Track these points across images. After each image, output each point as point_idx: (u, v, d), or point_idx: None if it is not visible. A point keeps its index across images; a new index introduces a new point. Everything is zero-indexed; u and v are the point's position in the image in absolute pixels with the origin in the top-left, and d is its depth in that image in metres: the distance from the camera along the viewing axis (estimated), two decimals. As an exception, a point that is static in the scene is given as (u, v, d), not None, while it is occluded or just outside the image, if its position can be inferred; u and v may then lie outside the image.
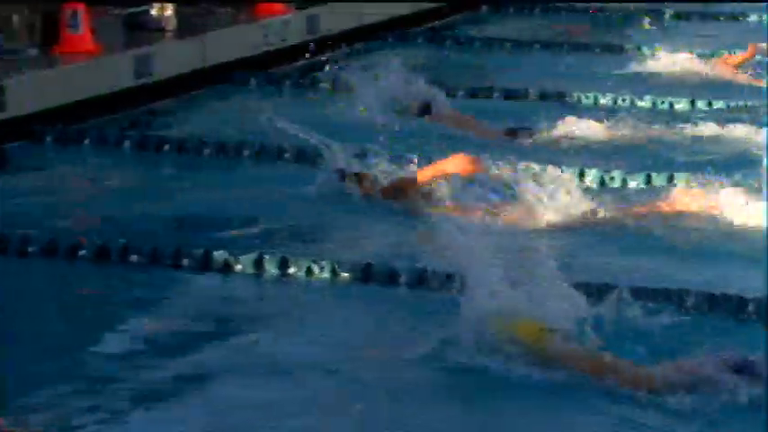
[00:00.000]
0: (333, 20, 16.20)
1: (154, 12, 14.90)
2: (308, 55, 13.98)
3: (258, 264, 9.36)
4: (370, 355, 8.46)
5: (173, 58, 13.27)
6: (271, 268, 9.26)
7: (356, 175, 10.93)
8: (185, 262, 9.34)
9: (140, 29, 14.44)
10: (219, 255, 9.38)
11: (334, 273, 9.17)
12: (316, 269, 9.32)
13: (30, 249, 9.67)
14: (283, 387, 7.70)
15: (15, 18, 13.12)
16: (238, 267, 9.41)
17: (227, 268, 9.48)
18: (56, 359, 7.73)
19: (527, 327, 8.32)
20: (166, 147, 12.32)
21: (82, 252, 9.64)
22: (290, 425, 7.22)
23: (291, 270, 9.19)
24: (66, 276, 9.85)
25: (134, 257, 9.73)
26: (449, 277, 8.93)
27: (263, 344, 8.51)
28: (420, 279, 9.36)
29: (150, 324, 8.44)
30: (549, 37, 21.75)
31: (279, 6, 16.69)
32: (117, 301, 9.05)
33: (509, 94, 15.82)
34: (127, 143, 12.21)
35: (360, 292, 9.35)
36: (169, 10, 15.07)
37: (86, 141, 12.03)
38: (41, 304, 8.89)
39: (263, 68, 14.63)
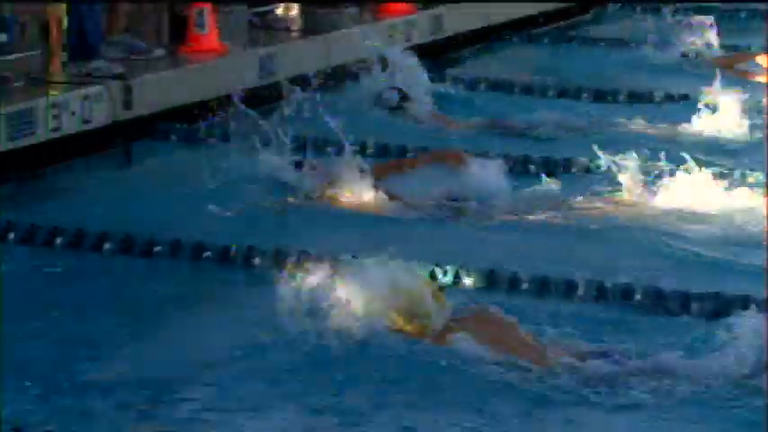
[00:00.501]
0: (458, 20, 16.13)
1: (279, 11, 14.99)
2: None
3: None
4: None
5: (297, 57, 13.21)
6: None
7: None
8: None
9: (266, 29, 14.47)
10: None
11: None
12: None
13: (155, 250, 9.72)
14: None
15: (143, 18, 13.17)
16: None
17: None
18: (191, 358, 7.54)
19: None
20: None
21: (206, 254, 9.63)
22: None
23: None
24: (190, 277, 9.81)
25: (257, 260, 9.70)
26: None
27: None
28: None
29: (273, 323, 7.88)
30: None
31: (405, 6, 16.64)
32: (239, 302, 8.85)
33: (635, 96, 15.40)
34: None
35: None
36: (294, 10, 15.08)
37: (211, 140, 11.81)
38: (166, 305, 8.74)
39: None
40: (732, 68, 17.40)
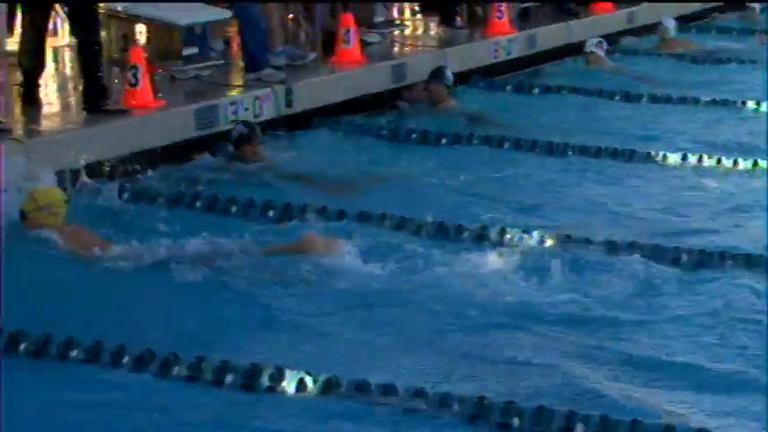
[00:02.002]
0: (547, 38, 16.36)
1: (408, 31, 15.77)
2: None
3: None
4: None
5: (423, 66, 13.54)
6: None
7: None
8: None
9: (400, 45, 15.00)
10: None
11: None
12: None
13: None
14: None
15: (302, 34, 13.73)
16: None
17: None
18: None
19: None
20: (414, 136, 12.22)
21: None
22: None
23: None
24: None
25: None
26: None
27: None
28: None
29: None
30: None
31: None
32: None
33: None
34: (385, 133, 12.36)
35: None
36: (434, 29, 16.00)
37: (359, 133, 12.34)
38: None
39: (490, 76, 14.84)
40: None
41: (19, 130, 10.30)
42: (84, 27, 10.88)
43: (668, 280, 8.45)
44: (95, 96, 10.87)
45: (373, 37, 14.61)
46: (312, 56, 13.47)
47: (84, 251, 8.69)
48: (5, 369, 6.62)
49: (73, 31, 11.59)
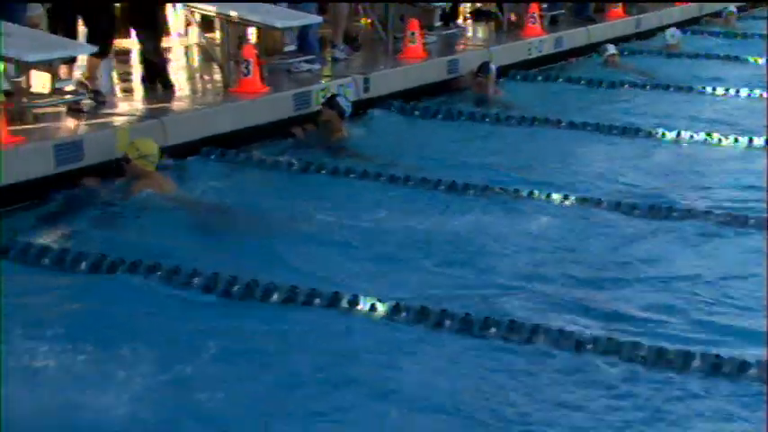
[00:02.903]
0: (571, 39, 16.13)
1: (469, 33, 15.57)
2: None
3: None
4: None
5: (470, 61, 13.46)
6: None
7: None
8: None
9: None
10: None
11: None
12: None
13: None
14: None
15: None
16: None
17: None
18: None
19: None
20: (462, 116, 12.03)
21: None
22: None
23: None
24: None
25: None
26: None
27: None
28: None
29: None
30: None
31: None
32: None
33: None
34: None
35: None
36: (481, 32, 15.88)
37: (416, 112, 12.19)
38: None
39: (525, 69, 14.67)
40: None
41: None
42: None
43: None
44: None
45: (432, 38, 14.37)
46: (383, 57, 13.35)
47: (169, 193, 8.69)
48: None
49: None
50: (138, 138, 8.91)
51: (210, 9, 11.45)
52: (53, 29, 10.30)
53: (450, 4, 15.37)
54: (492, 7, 16.42)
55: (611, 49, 15.44)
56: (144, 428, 5.30)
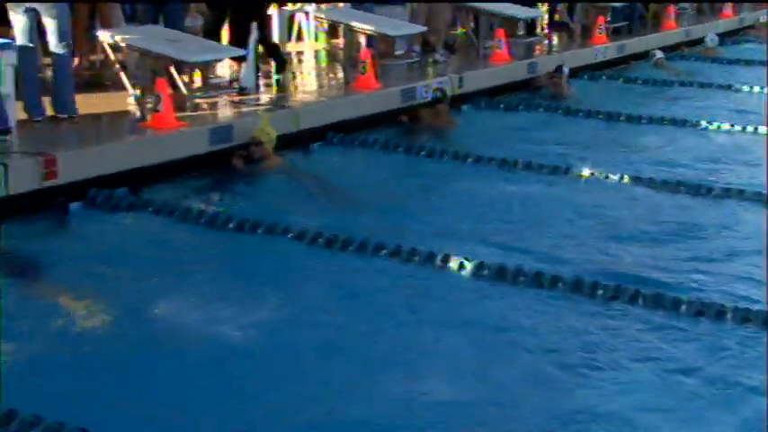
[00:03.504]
0: (631, 47, 15.90)
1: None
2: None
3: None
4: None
5: (546, 64, 13.37)
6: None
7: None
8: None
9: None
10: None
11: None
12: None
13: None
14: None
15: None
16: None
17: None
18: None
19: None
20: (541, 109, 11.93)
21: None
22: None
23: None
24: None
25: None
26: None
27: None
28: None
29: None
30: None
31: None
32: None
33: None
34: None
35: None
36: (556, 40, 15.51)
37: (502, 107, 12.03)
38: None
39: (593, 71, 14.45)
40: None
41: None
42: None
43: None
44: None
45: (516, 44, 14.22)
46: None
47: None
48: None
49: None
50: (267, 125, 8.91)
51: (338, 19, 11.51)
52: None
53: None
54: (566, 18, 16.23)
55: (659, 53, 15.26)
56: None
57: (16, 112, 8.23)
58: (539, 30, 15.94)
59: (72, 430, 4.23)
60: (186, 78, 9.42)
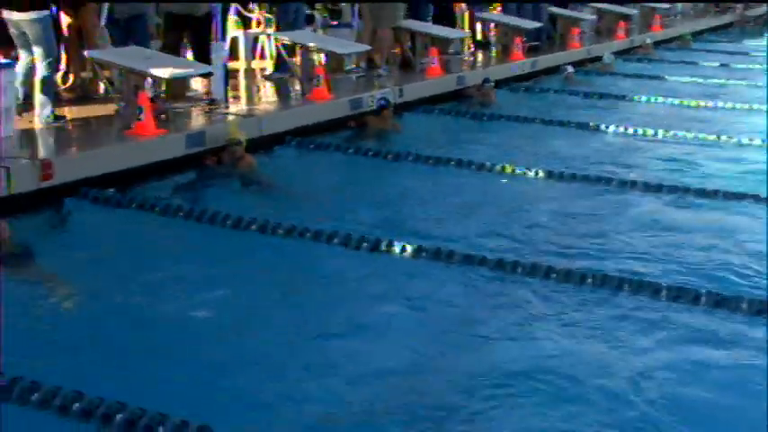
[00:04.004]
0: (543, 62, 15.74)
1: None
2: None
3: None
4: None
5: (474, 77, 13.25)
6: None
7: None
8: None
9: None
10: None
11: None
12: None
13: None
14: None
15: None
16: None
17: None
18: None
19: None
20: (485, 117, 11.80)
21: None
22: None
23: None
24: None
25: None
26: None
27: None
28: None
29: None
30: None
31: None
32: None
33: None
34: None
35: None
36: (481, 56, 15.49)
37: (437, 112, 11.87)
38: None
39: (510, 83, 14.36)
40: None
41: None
42: None
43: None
44: None
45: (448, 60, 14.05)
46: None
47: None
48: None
49: None
50: (236, 129, 8.80)
51: (295, 40, 11.42)
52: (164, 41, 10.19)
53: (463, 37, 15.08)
54: (488, 37, 16.27)
55: (570, 68, 15.27)
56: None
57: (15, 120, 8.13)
58: (466, 49, 15.89)
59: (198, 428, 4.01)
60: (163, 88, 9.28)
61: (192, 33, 10.18)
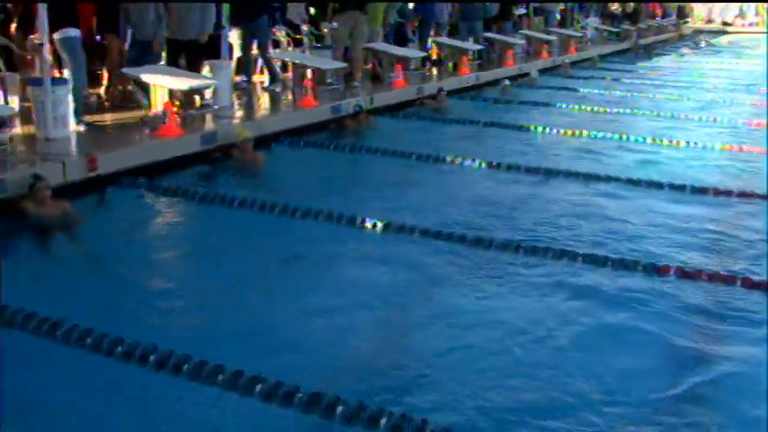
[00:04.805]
0: (486, 77, 15.59)
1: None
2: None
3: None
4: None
5: (429, 88, 13.10)
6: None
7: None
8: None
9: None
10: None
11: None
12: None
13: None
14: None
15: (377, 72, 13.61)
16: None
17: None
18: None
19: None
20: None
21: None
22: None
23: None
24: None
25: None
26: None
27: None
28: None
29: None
30: None
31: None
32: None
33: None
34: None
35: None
36: (436, 71, 15.24)
37: (401, 116, 11.79)
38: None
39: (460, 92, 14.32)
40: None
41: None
42: None
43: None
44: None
45: (411, 75, 13.86)
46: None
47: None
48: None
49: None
50: (244, 129, 8.72)
51: (288, 59, 11.31)
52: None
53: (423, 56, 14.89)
54: (441, 56, 16.04)
55: (507, 81, 15.17)
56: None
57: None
58: (426, 66, 15.66)
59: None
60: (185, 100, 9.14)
61: (186, 53, 9.98)
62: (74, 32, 8.11)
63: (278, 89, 11.71)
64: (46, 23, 7.48)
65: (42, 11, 7.43)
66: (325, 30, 12.90)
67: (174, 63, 9.92)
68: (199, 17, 9.66)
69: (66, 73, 8.41)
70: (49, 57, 7.64)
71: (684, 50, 26.88)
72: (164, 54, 9.94)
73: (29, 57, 8.61)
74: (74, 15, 8.13)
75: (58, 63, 8.55)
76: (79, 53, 8.22)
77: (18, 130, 7.58)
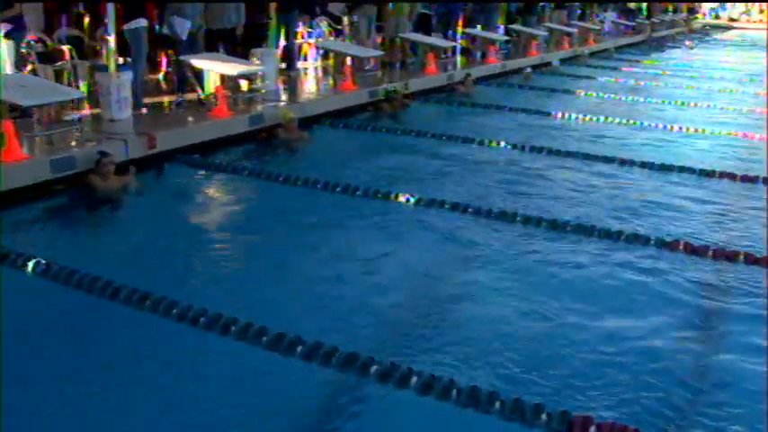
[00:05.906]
0: (515, 64, 15.23)
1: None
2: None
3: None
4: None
5: (458, 74, 12.82)
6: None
7: None
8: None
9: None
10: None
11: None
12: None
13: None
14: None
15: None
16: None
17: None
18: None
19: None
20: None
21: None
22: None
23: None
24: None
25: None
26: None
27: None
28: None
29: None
30: None
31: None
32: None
33: None
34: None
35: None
36: (462, 59, 14.98)
37: (434, 101, 11.50)
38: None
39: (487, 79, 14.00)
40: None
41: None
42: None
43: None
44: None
45: (443, 61, 13.68)
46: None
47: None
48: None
49: None
50: (288, 111, 8.64)
51: (329, 47, 11.13)
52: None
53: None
54: (471, 47, 15.61)
55: (528, 69, 14.81)
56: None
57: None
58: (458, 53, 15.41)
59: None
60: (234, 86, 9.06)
61: (224, 42, 9.86)
62: (143, 22, 8.03)
63: (292, 74, 11.37)
64: (113, 17, 7.55)
65: (110, 7, 7.53)
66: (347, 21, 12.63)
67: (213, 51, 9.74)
68: (234, 12, 9.66)
69: (130, 60, 8.37)
70: (113, 46, 7.64)
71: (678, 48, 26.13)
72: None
73: (97, 47, 8.71)
74: (143, 8, 8.15)
75: (123, 52, 8.51)
76: (143, 43, 8.18)
77: (86, 111, 7.63)
